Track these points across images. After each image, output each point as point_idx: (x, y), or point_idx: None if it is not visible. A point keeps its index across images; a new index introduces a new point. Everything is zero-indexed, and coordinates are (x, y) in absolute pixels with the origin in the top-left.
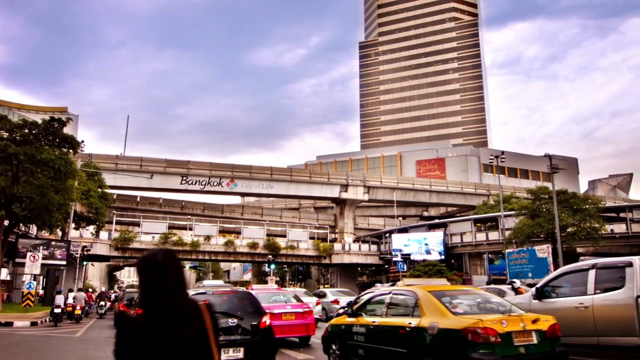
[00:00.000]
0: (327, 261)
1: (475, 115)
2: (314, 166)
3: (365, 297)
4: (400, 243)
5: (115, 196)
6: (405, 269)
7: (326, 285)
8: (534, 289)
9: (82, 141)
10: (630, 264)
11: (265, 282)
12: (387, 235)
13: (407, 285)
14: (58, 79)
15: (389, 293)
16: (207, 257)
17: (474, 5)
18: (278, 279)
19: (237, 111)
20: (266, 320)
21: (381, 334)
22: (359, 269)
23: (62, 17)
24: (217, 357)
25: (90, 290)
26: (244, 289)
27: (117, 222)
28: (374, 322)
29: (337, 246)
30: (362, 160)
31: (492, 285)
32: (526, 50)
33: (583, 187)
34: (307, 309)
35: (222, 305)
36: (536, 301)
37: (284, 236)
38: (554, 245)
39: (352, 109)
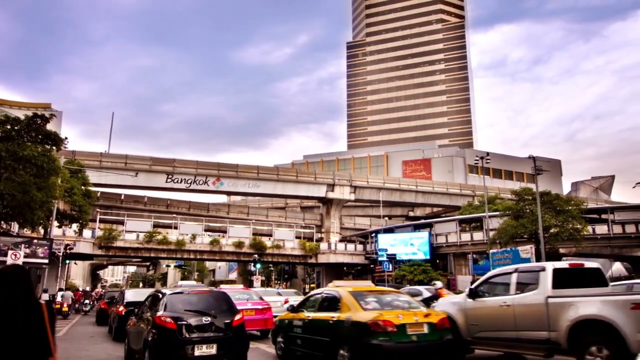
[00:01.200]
0: (313, 260)
1: (461, 116)
2: (300, 165)
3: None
4: (386, 243)
5: (99, 194)
6: (390, 269)
7: (312, 285)
8: (467, 289)
9: (66, 138)
10: (543, 269)
11: (251, 282)
12: (373, 235)
13: (336, 286)
14: (41, 75)
15: (322, 293)
16: (192, 256)
17: (461, 8)
18: (264, 278)
19: (223, 109)
20: (239, 317)
21: (313, 326)
22: (345, 268)
23: (45, 11)
24: (52, 342)
25: (80, 289)
26: (192, 283)
27: (101, 221)
28: (308, 316)
29: (323, 246)
30: (348, 160)
31: (410, 287)
32: (512, 53)
33: (566, 189)
34: (266, 306)
35: (198, 304)
36: (470, 300)
37: (270, 235)
38: (537, 246)
39: (340, 108)
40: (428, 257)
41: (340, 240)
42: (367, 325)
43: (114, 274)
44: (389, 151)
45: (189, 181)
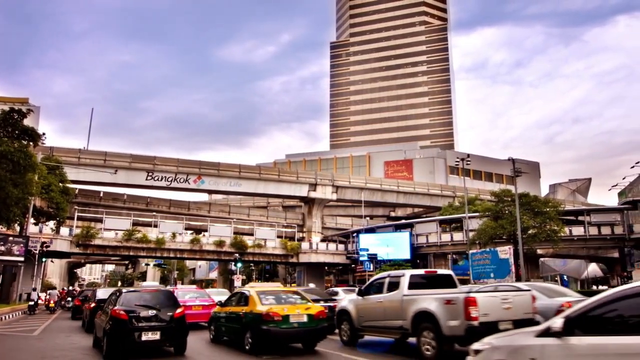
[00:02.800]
0: (294, 260)
1: (442, 118)
2: (283, 165)
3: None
4: (367, 243)
5: (77, 191)
6: (371, 269)
7: (293, 284)
8: (357, 289)
9: (43, 134)
10: (403, 275)
11: (232, 281)
12: (355, 234)
13: (251, 287)
14: (19, 68)
15: (240, 292)
16: (172, 255)
17: (444, 10)
18: (244, 277)
19: (204, 107)
20: (180, 310)
21: (231, 317)
22: (326, 268)
23: (23, 4)
24: None
25: (64, 288)
26: (169, 287)
27: (79, 218)
28: (229, 309)
29: (305, 245)
30: (331, 160)
31: (332, 288)
32: (493, 56)
33: (544, 191)
34: (211, 303)
35: (148, 300)
36: (360, 297)
37: (252, 234)
38: (516, 247)
39: (322, 108)
40: (409, 257)
41: (322, 240)
42: (261, 315)
43: (92, 273)
44: (371, 151)
45: (170, 179)
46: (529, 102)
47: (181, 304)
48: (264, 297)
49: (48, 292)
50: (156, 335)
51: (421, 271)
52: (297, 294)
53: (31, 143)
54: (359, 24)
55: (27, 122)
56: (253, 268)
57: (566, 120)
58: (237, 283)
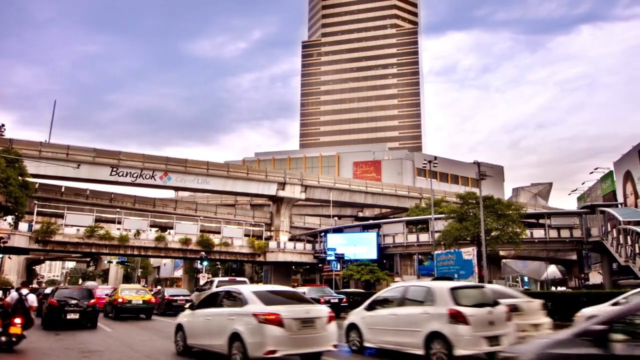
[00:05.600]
0: (261, 259)
1: (411, 120)
2: (252, 163)
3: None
4: (335, 242)
5: (37, 185)
6: (338, 268)
7: (260, 283)
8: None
9: (2, 125)
10: (244, 282)
11: (197, 279)
12: (323, 234)
13: (121, 286)
14: None
15: (115, 288)
16: (136, 253)
17: (415, 14)
18: (210, 276)
19: (172, 102)
20: (93, 301)
21: (109, 302)
22: (294, 267)
23: None
24: None
25: (30, 286)
26: (94, 283)
27: (39, 213)
28: (108, 299)
29: (272, 244)
30: (300, 159)
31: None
32: (462, 60)
33: (507, 194)
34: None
35: (73, 294)
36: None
37: (219, 232)
38: (479, 248)
39: (292, 106)
40: (375, 257)
41: (290, 239)
42: (115, 300)
43: (51, 270)
44: (341, 152)
45: (135, 175)
46: (496, 106)
47: (96, 297)
48: (122, 291)
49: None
50: (77, 316)
51: (225, 279)
52: (143, 289)
53: None
54: (331, 24)
55: None
56: (219, 266)
57: (530, 126)
58: (203, 282)
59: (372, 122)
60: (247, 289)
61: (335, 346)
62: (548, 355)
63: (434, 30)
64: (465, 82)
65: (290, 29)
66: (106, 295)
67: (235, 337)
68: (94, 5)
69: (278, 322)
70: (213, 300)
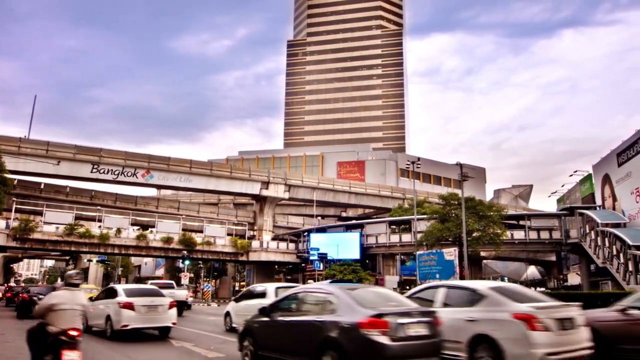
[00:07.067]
0: (244, 258)
1: (395, 121)
2: (235, 161)
3: None
4: (318, 242)
5: (15, 182)
6: (321, 268)
7: (242, 283)
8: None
9: None
10: (171, 285)
11: (179, 279)
12: (306, 234)
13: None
14: None
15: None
16: (117, 251)
17: (400, 16)
18: (192, 275)
19: (156, 99)
20: None
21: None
22: (276, 266)
23: None
24: None
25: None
26: (61, 283)
27: (17, 210)
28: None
29: (255, 243)
30: (284, 158)
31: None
32: (446, 62)
33: (489, 195)
34: None
35: (41, 291)
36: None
37: (201, 231)
38: (461, 249)
39: (277, 105)
40: (358, 257)
41: (273, 239)
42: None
43: (29, 268)
44: (325, 152)
45: (117, 172)
46: (479, 108)
47: None
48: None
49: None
50: None
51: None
52: (97, 289)
53: None
54: (316, 24)
55: None
56: (201, 266)
57: (512, 128)
58: (184, 281)
59: (357, 123)
60: (120, 288)
61: (174, 323)
62: None
63: (418, 32)
64: (449, 84)
65: (275, 28)
66: None
67: (107, 317)
68: (76, 0)
69: (131, 307)
70: (105, 296)
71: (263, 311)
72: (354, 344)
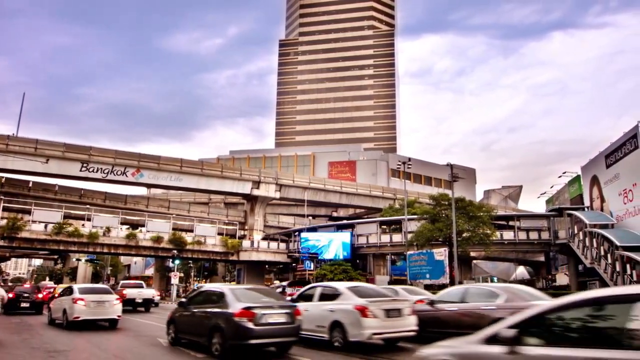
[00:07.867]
0: (234, 258)
1: (386, 121)
2: (226, 161)
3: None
4: (309, 242)
5: (3, 180)
6: (312, 268)
7: (232, 282)
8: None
9: None
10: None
11: (169, 278)
12: (297, 233)
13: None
14: None
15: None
16: (106, 250)
17: (392, 16)
18: (182, 274)
19: (147, 97)
20: (42, 296)
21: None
22: (267, 266)
23: None
24: None
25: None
26: (45, 283)
27: (5, 209)
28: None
29: (246, 243)
30: (275, 157)
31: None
32: (437, 63)
33: (479, 196)
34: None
35: (26, 290)
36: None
37: (191, 231)
38: (451, 249)
39: (268, 105)
40: (349, 257)
41: (264, 238)
42: (55, 295)
43: (17, 267)
44: (316, 151)
45: (106, 171)
46: (470, 109)
47: (43, 292)
48: (59, 289)
49: None
50: (27, 304)
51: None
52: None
53: None
54: (308, 23)
55: None
56: (192, 265)
57: (502, 129)
58: (174, 280)
59: (348, 123)
60: (76, 287)
61: (119, 316)
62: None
63: (410, 33)
64: (441, 85)
65: (267, 27)
66: (49, 291)
67: (64, 311)
68: None
69: (83, 301)
70: (64, 294)
71: (182, 304)
72: (230, 328)
